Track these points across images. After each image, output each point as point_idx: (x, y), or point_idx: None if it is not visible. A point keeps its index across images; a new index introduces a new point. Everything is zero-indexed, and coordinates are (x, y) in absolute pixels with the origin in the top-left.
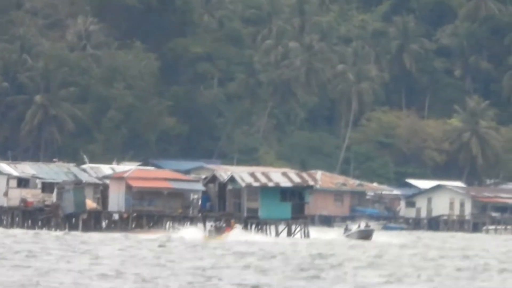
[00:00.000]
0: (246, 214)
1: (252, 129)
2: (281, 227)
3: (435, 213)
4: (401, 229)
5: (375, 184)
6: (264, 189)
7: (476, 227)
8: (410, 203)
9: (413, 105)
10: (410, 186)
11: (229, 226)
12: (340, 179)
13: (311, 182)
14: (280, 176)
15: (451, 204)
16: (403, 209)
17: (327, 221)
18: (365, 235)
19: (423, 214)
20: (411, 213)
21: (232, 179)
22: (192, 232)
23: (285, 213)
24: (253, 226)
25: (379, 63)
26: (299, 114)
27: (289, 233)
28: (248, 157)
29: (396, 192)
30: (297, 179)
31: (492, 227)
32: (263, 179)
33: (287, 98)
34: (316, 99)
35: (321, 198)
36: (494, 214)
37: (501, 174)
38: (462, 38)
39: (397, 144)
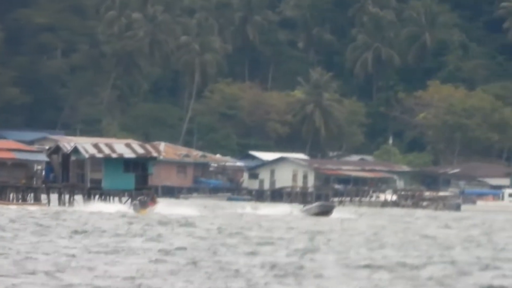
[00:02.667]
0: (89, 185)
1: (95, 100)
2: (125, 198)
3: (278, 184)
4: (244, 200)
5: (218, 156)
6: (107, 160)
7: (319, 199)
8: (253, 175)
9: (257, 77)
10: (253, 157)
11: (153, 201)
12: (184, 150)
13: (154, 154)
14: (124, 147)
15: (294, 176)
16: (246, 181)
17: (170, 192)
18: (324, 210)
19: (266, 185)
20: (254, 184)
21: (75, 150)
22: (116, 207)
23: (128, 184)
24: (97, 197)
25: (223, 35)
26: (142, 86)
27: None
28: (92, 128)
29: (239, 163)
30: (140, 150)
31: (337, 199)
32: (107, 150)
33: (131, 70)
34: (160, 71)
35: (165, 169)
36: (337, 186)
37: (344, 146)
38: (306, 10)
39: (240, 116)
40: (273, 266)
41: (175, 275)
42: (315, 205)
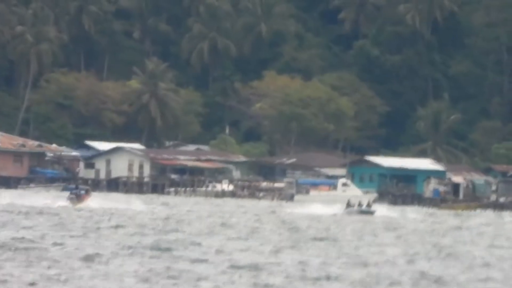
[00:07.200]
0: None
1: None
2: None
3: (114, 174)
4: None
5: (54, 145)
6: None
7: (155, 189)
8: (89, 165)
9: (92, 67)
10: (89, 147)
11: (88, 194)
12: (19, 140)
13: None
14: None
15: (130, 166)
16: (82, 170)
17: (6, 182)
18: (367, 213)
19: (102, 175)
20: (90, 174)
21: None
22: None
23: None
24: None
25: (58, 25)
26: None
27: None
28: None
29: (75, 153)
30: None
31: (172, 189)
32: None
33: None
34: None
35: (1, 159)
36: (173, 176)
37: (180, 136)
38: (141, 0)
39: (76, 106)
40: None
41: None
42: (356, 209)
